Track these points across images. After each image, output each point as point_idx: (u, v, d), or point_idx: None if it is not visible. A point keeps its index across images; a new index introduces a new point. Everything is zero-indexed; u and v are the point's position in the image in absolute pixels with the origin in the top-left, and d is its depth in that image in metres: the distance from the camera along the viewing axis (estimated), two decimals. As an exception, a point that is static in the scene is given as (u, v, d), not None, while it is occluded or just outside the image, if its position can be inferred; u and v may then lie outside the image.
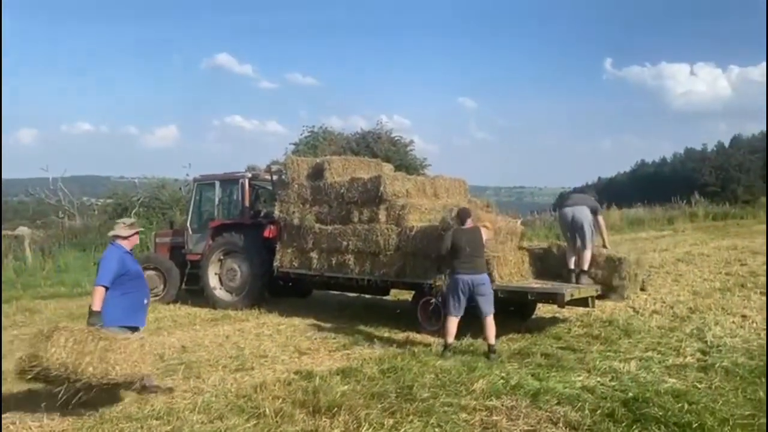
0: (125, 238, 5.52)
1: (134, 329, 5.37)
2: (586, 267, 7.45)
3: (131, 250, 5.62)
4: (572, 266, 7.57)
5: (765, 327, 7.33)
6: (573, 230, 7.53)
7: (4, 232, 22.90)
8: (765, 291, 9.67)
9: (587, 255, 7.46)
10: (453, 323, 6.73)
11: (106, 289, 5.15)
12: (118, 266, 5.26)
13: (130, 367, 4.74)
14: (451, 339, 6.75)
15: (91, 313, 5.08)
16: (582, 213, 7.57)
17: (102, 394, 4.95)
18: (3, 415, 5.00)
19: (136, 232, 5.68)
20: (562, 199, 7.80)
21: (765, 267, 12.26)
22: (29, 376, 4.68)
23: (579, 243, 7.49)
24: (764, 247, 15.88)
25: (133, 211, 20.72)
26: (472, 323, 7.74)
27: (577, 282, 7.40)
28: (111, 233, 5.59)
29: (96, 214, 21.98)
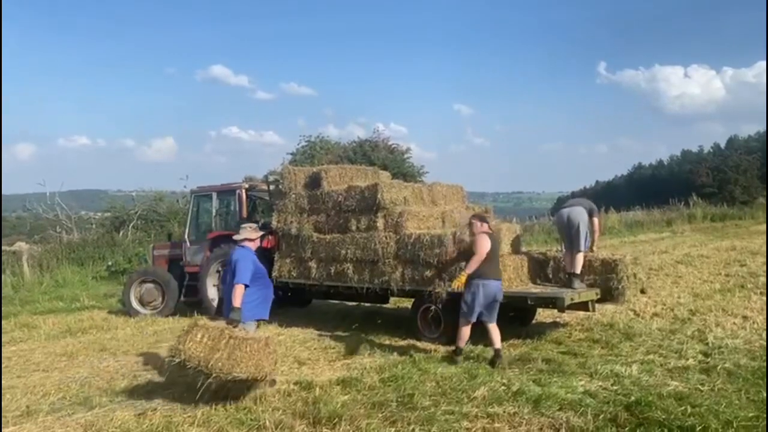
0: (252, 240, 6.11)
1: (262, 320, 6.09)
2: (578, 270, 7.41)
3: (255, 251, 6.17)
4: (570, 269, 7.53)
5: (765, 327, 7.31)
6: (568, 231, 7.51)
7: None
8: (765, 291, 9.65)
9: (580, 258, 7.41)
10: (468, 328, 6.69)
11: (246, 287, 5.69)
12: (253, 266, 5.83)
13: (254, 366, 5.13)
14: (463, 344, 6.71)
15: (233, 309, 5.60)
16: (578, 214, 7.55)
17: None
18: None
19: (261, 235, 6.46)
20: (560, 203, 7.78)
21: (764, 267, 12.26)
22: (173, 364, 5.29)
23: (573, 245, 7.47)
24: (763, 248, 15.89)
25: (131, 225, 20.70)
26: (471, 330, 7.72)
27: (569, 286, 7.35)
28: (239, 237, 6.11)
29: (94, 228, 21.94)
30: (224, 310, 5.89)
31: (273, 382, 5.79)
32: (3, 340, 9.19)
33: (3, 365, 7.15)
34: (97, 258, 18.34)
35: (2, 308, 12.05)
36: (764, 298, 9.20)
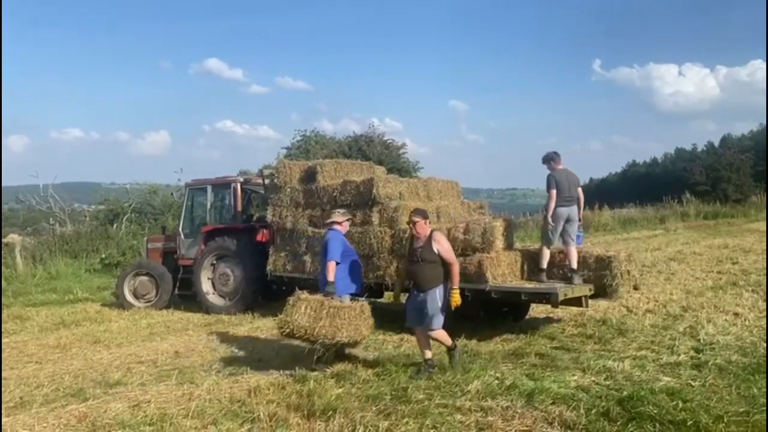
0: (340, 223, 6.86)
1: (354, 295, 6.66)
2: (574, 264, 7.45)
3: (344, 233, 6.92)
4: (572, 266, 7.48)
5: (758, 324, 7.37)
6: (567, 228, 7.51)
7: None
8: (756, 289, 9.72)
9: (575, 252, 7.47)
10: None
11: (337, 263, 6.41)
12: (342, 245, 6.58)
13: (353, 330, 5.86)
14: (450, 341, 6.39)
15: (328, 283, 6.33)
16: (576, 212, 7.61)
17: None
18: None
19: (348, 219, 7.17)
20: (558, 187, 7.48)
21: (756, 265, 12.35)
22: (284, 334, 6.08)
23: (568, 240, 7.50)
24: (755, 246, 16.00)
25: (125, 218, 20.62)
26: (464, 325, 7.75)
27: (571, 282, 7.38)
28: (329, 220, 6.96)
29: (87, 220, 21.84)
30: (320, 284, 6.57)
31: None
32: (-4, 331, 9.16)
33: (-4, 357, 7.14)
34: (91, 251, 18.28)
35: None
36: (755, 294, 9.26)
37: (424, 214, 6.13)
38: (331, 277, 6.37)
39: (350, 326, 5.85)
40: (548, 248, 7.58)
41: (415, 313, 6.03)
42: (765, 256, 13.52)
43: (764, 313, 7.93)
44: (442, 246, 5.93)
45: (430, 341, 6.08)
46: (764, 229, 21.60)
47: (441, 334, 6.00)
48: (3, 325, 9.92)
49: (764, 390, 4.87)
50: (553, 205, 7.46)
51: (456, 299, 5.90)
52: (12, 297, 13.18)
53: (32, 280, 15.49)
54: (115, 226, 20.26)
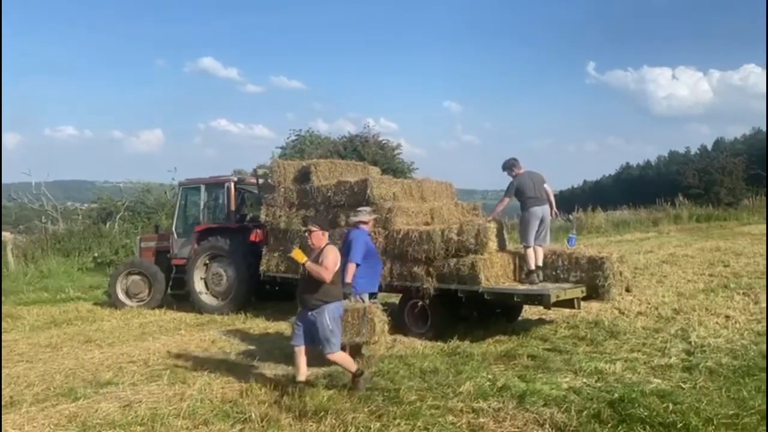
0: (367, 222, 6.83)
1: (373, 294, 6.81)
2: (541, 263, 7.63)
3: (369, 232, 6.97)
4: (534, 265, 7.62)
5: (748, 327, 7.41)
6: (541, 227, 7.67)
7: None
8: (748, 292, 9.78)
9: (541, 252, 7.67)
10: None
11: (357, 265, 6.39)
12: (365, 246, 6.55)
13: (355, 333, 5.89)
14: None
15: (345, 285, 6.15)
16: (548, 211, 7.81)
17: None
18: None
19: (374, 218, 7.23)
20: (522, 189, 7.75)
21: (748, 268, 12.42)
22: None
23: (541, 239, 7.68)
24: (746, 249, 16.10)
25: (118, 216, 20.53)
26: (457, 326, 7.77)
27: (529, 281, 7.48)
28: (355, 219, 6.86)
29: (80, 219, 21.74)
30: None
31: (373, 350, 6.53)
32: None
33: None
34: (83, 249, 18.19)
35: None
36: (746, 298, 9.31)
37: (323, 225, 5.81)
38: (349, 279, 6.29)
39: (352, 329, 5.88)
40: (530, 248, 7.62)
41: (305, 332, 5.53)
42: (755, 260, 13.61)
43: (755, 316, 7.98)
44: (327, 259, 5.37)
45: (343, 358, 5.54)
46: (756, 232, 21.74)
47: (340, 357, 5.51)
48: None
49: (754, 393, 4.90)
50: (500, 208, 7.99)
51: (298, 255, 5.34)
52: (3, 295, 13.10)
53: (24, 278, 15.41)
54: (108, 224, 20.17)
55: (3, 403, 5.55)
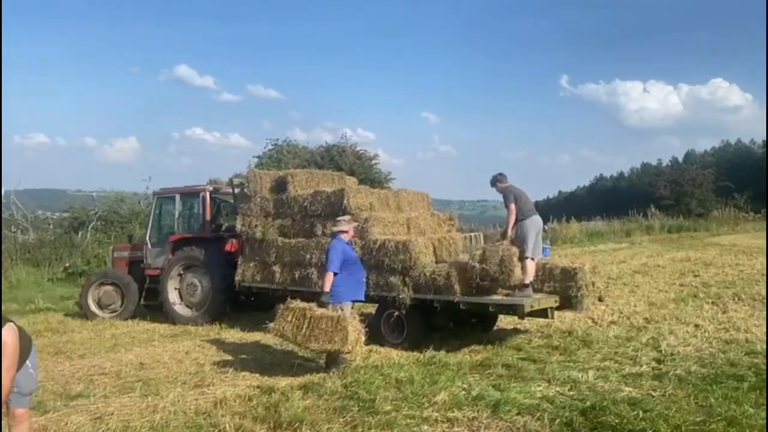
0: (346, 232, 6.86)
1: (357, 301, 6.91)
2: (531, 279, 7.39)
3: (349, 241, 7.03)
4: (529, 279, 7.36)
5: (716, 336, 7.58)
6: (535, 238, 7.52)
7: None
8: (717, 301, 10.01)
9: (533, 266, 7.44)
10: None
11: (335, 274, 6.45)
12: (342, 255, 6.57)
13: (327, 341, 6.08)
14: None
15: (323, 293, 6.43)
16: (541, 222, 7.76)
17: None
18: None
19: (354, 226, 7.27)
20: (519, 199, 7.60)
21: (717, 278, 12.72)
22: (279, 339, 6.74)
23: (533, 252, 7.45)
24: (716, 259, 16.49)
25: (91, 225, 20.19)
26: (433, 336, 7.80)
27: (524, 295, 7.21)
28: (335, 228, 6.90)
29: (51, 228, 21.31)
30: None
31: (345, 359, 6.58)
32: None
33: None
34: (54, 259, 17.84)
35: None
36: (714, 307, 9.55)
37: None
38: (326, 288, 6.47)
39: (325, 336, 6.09)
40: (528, 260, 7.32)
41: None
42: (724, 270, 13.96)
43: (723, 325, 8.18)
44: None
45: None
46: (725, 242, 22.29)
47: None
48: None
49: (721, 400, 5.02)
50: (513, 219, 7.50)
51: None
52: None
53: (-9, 289, 15.02)
54: (80, 234, 19.80)
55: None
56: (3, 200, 21.53)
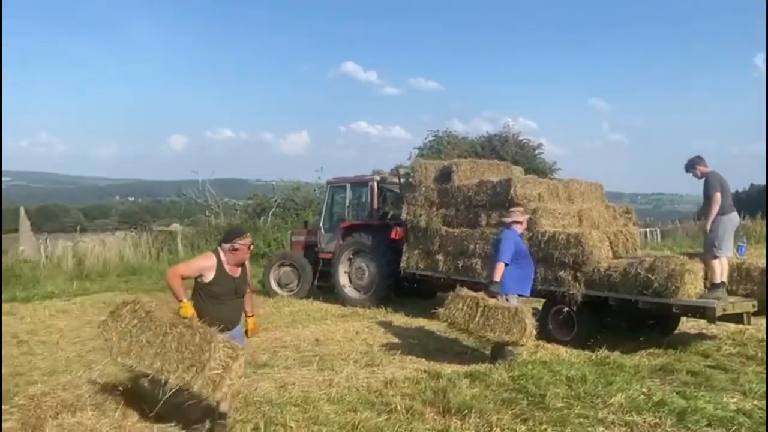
0: (520, 222, 6.73)
1: (522, 296, 6.70)
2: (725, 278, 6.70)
3: (521, 233, 6.86)
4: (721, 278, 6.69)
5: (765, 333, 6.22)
6: (732, 235, 6.79)
7: (159, 228, 25.41)
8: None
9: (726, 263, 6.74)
10: None
11: (506, 265, 6.36)
12: (515, 246, 6.46)
13: (504, 331, 6.01)
14: None
15: (493, 282, 6.37)
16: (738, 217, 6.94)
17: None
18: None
19: (526, 218, 7.07)
20: (724, 190, 6.76)
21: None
22: (445, 325, 6.74)
23: (728, 250, 6.76)
24: None
25: (271, 212, 22.10)
26: (605, 335, 7.37)
27: (714, 296, 6.54)
28: (508, 219, 6.72)
29: (238, 213, 23.67)
30: (486, 282, 6.67)
31: (511, 351, 6.41)
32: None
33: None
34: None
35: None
36: None
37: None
38: (497, 278, 6.37)
39: (502, 327, 6.00)
40: (718, 259, 6.64)
41: None
42: None
43: None
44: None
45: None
46: None
47: None
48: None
49: None
50: (716, 210, 6.65)
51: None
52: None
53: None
54: (262, 219, 21.79)
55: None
56: (200, 188, 24.32)
